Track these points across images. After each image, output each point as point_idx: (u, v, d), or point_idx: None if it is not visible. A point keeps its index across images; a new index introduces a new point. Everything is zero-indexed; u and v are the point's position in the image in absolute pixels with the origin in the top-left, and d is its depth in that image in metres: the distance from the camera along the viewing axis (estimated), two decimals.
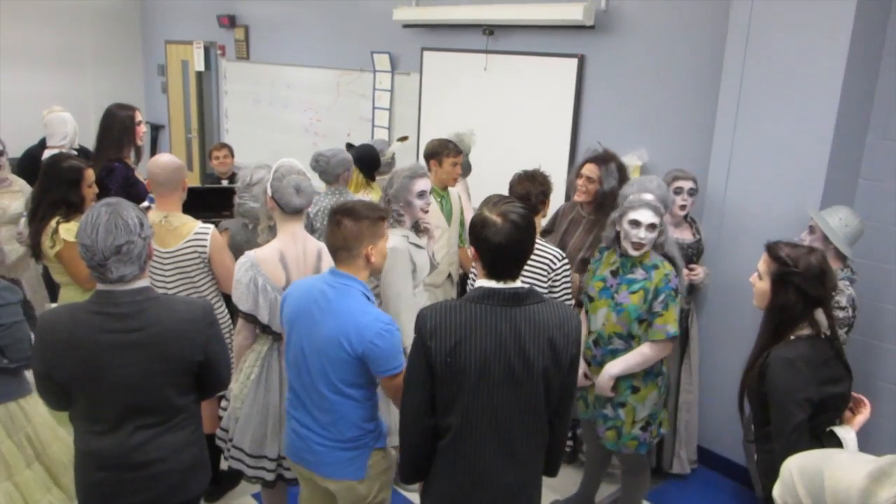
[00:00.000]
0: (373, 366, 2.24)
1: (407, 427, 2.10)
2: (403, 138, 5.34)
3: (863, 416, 2.27)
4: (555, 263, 3.07)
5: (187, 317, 2.08)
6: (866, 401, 2.30)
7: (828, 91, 3.17)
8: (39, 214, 3.21)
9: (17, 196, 4.07)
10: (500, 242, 1.95)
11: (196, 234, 3.13)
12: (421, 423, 2.05)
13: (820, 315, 2.23)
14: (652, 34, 4.15)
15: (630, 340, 2.95)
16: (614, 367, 2.93)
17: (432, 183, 3.80)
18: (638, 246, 2.88)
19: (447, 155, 3.90)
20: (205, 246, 3.12)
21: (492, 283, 2.00)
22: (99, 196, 3.02)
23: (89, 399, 2.05)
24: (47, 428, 2.76)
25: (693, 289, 3.60)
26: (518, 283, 2.02)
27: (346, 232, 2.30)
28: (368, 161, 4.33)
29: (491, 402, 1.98)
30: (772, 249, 2.26)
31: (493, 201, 2.06)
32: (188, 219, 3.17)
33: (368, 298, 2.33)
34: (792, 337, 2.21)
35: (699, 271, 3.51)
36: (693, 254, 3.55)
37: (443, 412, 2.03)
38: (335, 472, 2.36)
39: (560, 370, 2.01)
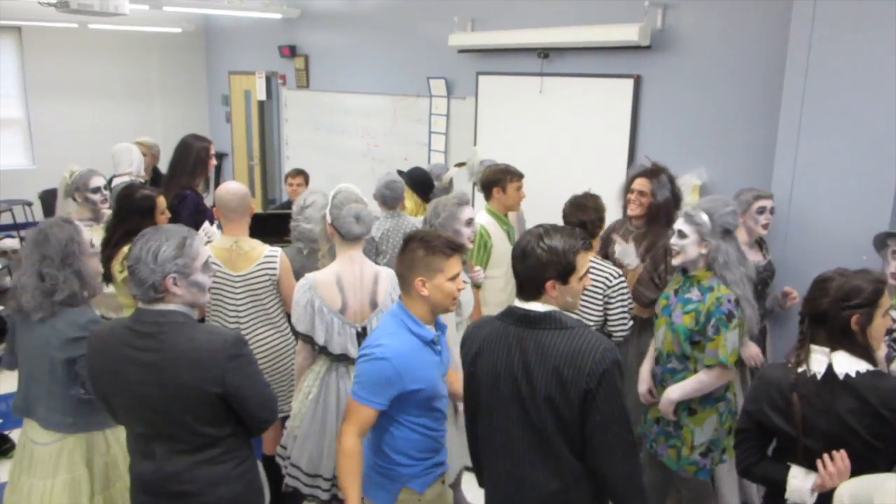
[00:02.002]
0: None
1: (465, 428, 2.26)
2: (461, 164, 5.39)
3: (824, 477, 1.96)
4: (610, 281, 3.10)
5: (205, 346, 2.05)
6: (838, 465, 1.95)
7: None
8: (113, 241, 3.35)
9: None
10: (516, 263, 2.05)
11: (266, 257, 3.21)
12: (469, 430, 2.21)
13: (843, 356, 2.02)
14: (709, 51, 4.10)
15: (685, 361, 2.89)
16: (673, 393, 2.87)
17: (497, 209, 3.86)
18: (674, 254, 2.91)
19: (511, 180, 3.93)
20: (275, 269, 3.21)
21: (517, 302, 2.07)
22: (172, 221, 3.13)
23: (121, 412, 2.15)
24: (122, 460, 2.76)
25: (767, 311, 3.50)
26: (539, 305, 2.01)
27: (403, 259, 2.30)
28: (422, 183, 4.40)
29: (504, 418, 2.05)
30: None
31: (538, 225, 2.11)
32: (257, 243, 3.26)
33: (410, 331, 2.26)
34: (791, 361, 2.11)
35: (796, 294, 3.38)
36: (767, 276, 3.46)
37: (473, 419, 2.19)
38: (367, 490, 2.36)
39: (570, 403, 1.92)
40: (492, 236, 3.82)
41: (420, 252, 2.27)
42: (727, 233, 2.89)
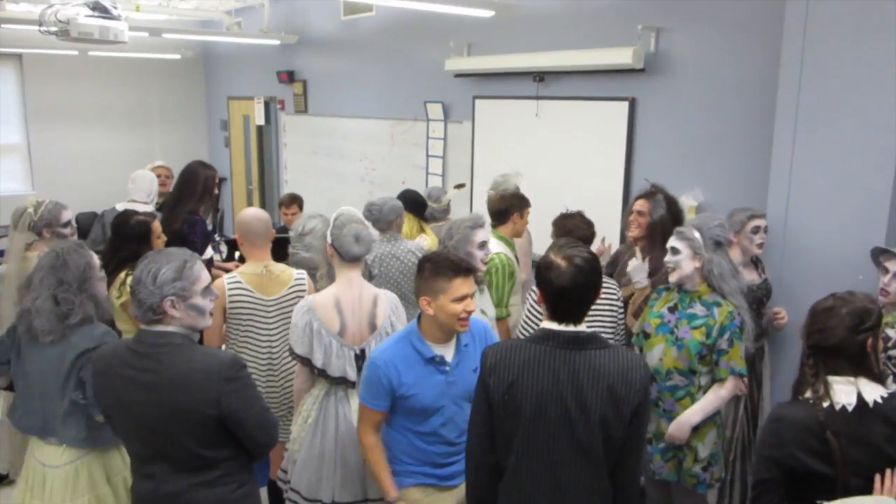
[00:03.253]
0: None
1: (470, 463, 2.12)
2: (460, 185, 5.42)
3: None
4: (617, 293, 3.31)
5: (201, 367, 2.07)
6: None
7: (889, 123, 3.10)
8: (110, 268, 3.35)
9: None
10: (563, 285, 1.97)
11: (296, 280, 3.27)
12: (482, 459, 2.06)
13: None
14: (702, 74, 4.15)
15: (691, 376, 2.90)
16: (695, 416, 2.87)
17: (508, 234, 3.89)
18: (669, 271, 2.97)
19: (525, 207, 3.96)
20: (304, 291, 3.24)
21: (553, 325, 2.00)
22: (184, 247, 3.16)
23: (122, 432, 2.18)
24: None
25: (764, 331, 3.52)
26: (582, 327, 2.01)
27: (416, 278, 2.42)
28: (414, 204, 4.40)
29: (547, 444, 1.96)
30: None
31: (559, 245, 2.10)
32: (285, 267, 3.30)
33: (412, 345, 2.38)
34: (808, 395, 1.97)
35: (783, 314, 3.44)
36: (763, 295, 3.49)
37: (502, 451, 2.03)
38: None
39: (621, 420, 1.95)
40: (514, 264, 3.82)
41: (426, 272, 2.34)
42: (718, 245, 2.96)
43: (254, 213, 3.36)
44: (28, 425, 2.67)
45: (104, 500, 2.64)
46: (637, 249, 3.58)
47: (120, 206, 4.79)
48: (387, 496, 2.42)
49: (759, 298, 3.45)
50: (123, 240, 3.39)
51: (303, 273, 3.30)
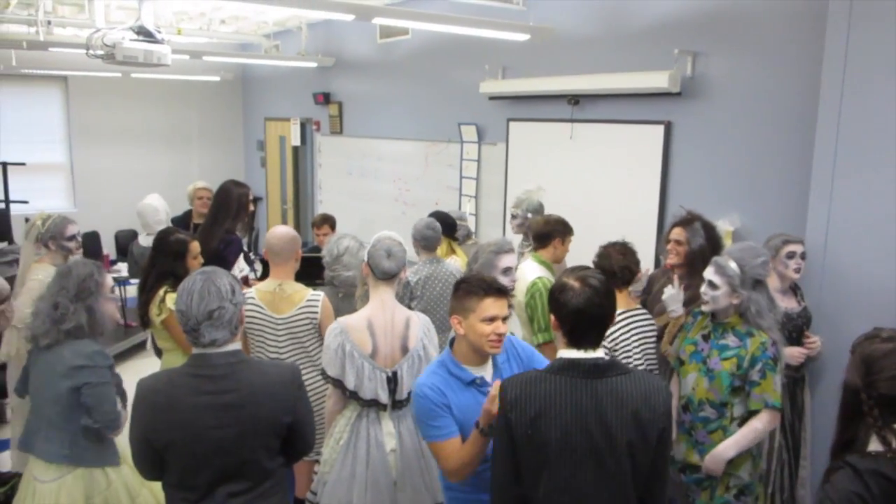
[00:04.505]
0: None
1: (494, 495, 2.08)
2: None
3: None
4: (655, 326, 3.28)
5: (277, 379, 2.13)
6: None
7: None
8: (149, 285, 3.43)
9: None
10: (580, 307, 1.95)
11: (308, 301, 3.26)
12: (507, 493, 2.03)
13: None
14: (740, 98, 4.11)
15: (723, 409, 2.85)
16: (729, 450, 2.81)
17: (549, 259, 3.85)
18: (704, 302, 2.92)
19: (568, 234, 3.91)
20: (316, 312, 3.25)
21: (573, 353, 1.98)
22: (219, 265, 3.23)
23: (184, 464, 2.08)
24: (124, 494, 2.77)
25: (807, 358, 3.44)
26: (600, 353, 1.99)
27: (451, 298, 2.40)
28: (445, 225, 4.45)
29: (574, 476, 1.93)
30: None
31: (570, 269, 2.09)
32: (300, 287, 3.31)
33: (450, 372, 2.34)
34: (871, 449, 1.75)
35: (816, 341, 3.36)
36: (803, 323, 3.42)
37: (529, 484, 1.99)
38: None
39: (647, 445, 1.94)
40: None
41: (460, 291, 2.34)
42: (758, 283, 2.88)
43: (277, 231, 3.38)
44: (21, 440, 2.76)
45: None
46: (674, 277, 3.52)
47: (141, 240, 4.92)
48: (483, 428, 2.19)
49: (798, 327, 3.38)
50: (161, 255, 3.47)
51: (318, 295, 3.30)
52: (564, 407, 1.92)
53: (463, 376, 2.34)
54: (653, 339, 3.31)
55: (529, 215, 4.47)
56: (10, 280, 5.02)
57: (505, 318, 2.34)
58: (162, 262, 3.45)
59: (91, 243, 8.09)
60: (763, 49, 3.98)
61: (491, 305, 2.29)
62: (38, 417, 2.66)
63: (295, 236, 3.39)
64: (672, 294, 3.36)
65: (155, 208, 4.98)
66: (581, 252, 3.86)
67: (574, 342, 1.98)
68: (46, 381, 2.62)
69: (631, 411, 1.91)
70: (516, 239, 4.56)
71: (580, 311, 1.96)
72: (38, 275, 3.52)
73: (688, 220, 3.56)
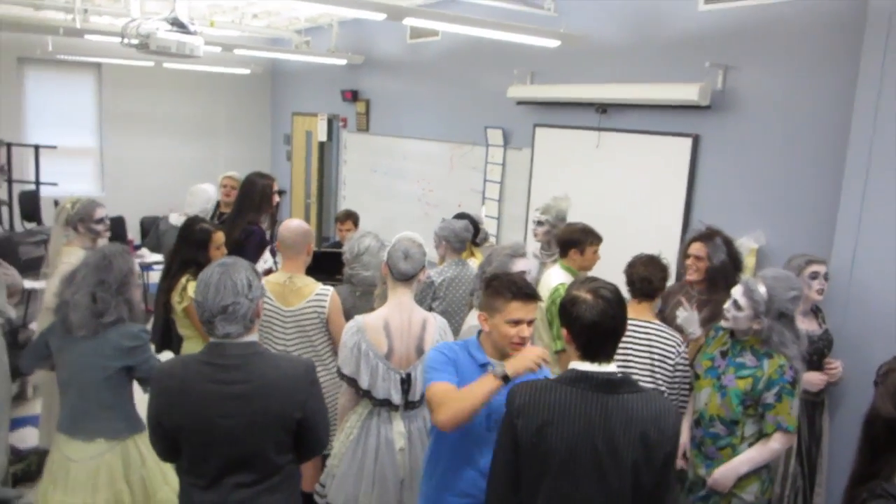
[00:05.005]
0: None
1: (491, 500, 2.06)
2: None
3: None
4: (679, 348, 3.11)
5: (289, 373, 2.13)
6: None
7: None
8: (172, 272, 3.47)
9: None
10: (594, 320, 1.93)
11: (317, 295, 3.27)
12: (505, 498, 2.01)
13: None
14: (770, 113, 4.06)
15: (734, 427, 2.82)
16: (742, 466, 2.78)
17: (575, 267, 3.81)
18: (725, 319, 2.87)
19: (590, 243, 3.83)
20: (324, 307, 3.26)
21: (585, 366, 1.95)
22: (240, 256, 3.27)
23: (194, 450, 2.11)
24: (158, 472, 2.85)
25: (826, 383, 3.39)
26: (613, 367, 1.96)
27: (482, 294, 2.42)
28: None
29: (576, 488, 1.91)
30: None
31: (580, 281, 2.07)
32: (310, 280, 3.32)
33: (468, 351, 2.37)
34: None
35: (838, 366, 3.31)
36: (824, 346, 3.37)
37: (527, 493, 1.98)
38: None
39: (651, 467, 1.90)
40: None
41: (490, 288, 2.35)
42: (783, 315, 2.80)
43: (290, 224, 3.38)
44: (60, 421, 2.77)
45: (121, 496, 2.71)
46: (683, 299, 3.46)
47: (172, 217, 4.96)
48: (494, 379, 2.18)
49: (819, 350, 3.33)
50: (185, 244, 3.52)
51: (327, 289, 3.31)
52: (572, 419, 1.90)
53: (478, 357, 2.36)
54: (667, 357, 3.11)
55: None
56: (39, 260, 5.10)
57: (530, 322, 2.33)
58: (186, 251, 3.50)
59: (117, 228, 8.19)
60: (796, 64, 3.93)
61: (517, 309, 2.29)
62: (86, 400, 2.67)
63: (307, 230, 3.40)
64: (686, 316, 3.31)
65: (208, 198, 5.03)
66: (602, 262, 3.85)
67: (589, 356, 1.96)
68: (91, 365, 2.64)
69: (639, 431, 1.88)
70: (536, 246, 4.53)
71: (595, 324, 1.93)
72: (71, 258, 3.57)
73: (708, 236, 3.51)
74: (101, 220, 3.87)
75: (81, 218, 3.81)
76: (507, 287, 2.31)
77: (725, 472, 2.80)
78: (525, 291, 2.32)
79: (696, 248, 3.50)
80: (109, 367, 2.63)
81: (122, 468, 2.72)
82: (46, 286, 3.70)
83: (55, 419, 2.95)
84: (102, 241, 3.99)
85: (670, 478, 1.97)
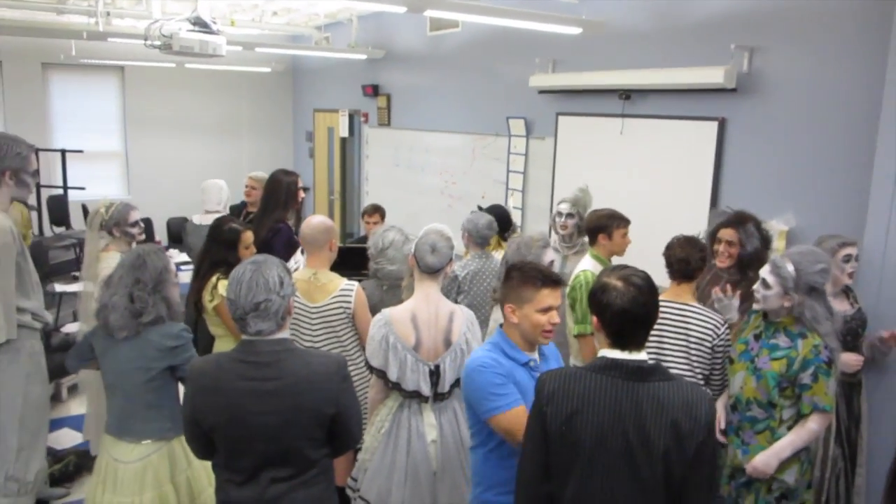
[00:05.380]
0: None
1: (520, 490, 2.04)
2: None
3: None
4: (718, 330, 3.08)
5: (321, 369, 2.14)
6: None
7: None
8: (202, 272, 3.51)
9: None
10: (624, 307, 1.90)
11: (342, 290, 3.28)
12: (534, 488, 2.00)
13: None
14: (799, 95, 3.99)
15: (771, 410, 2.79)
16: (784, 451, 2.75)
17: (603, 254, 3.80)
18: (755, 300, 2.84)
19: (617, 226, 3.80)
20: (349, 302, 3.26)
21: (616, 354, 1.93)
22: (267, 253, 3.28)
23: (229, 447, 2.13)
24: (203, 474, 2.86)
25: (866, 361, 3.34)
26: (643, 355, 1.94)
27: (502, 285, 2.40)
28: (501, 220, 4.43)
29: (606, 478, 1.89)
30: None
31: (610, 268, 2.04)
32: (335, 276, 3.33)
33: (504, 353, 2.33)
34: None
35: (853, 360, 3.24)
36: (857, 326, 3.31)
37: (557, 481, 1.96)
38: None
39: (684, 456, 1.86)
40: None
41: (514, 280, 2.32)
42: (813, 290, 2.78)
43: (312, 221, 3.39)
44: (108, 423, 2.79)
45: (167, 497, 2.73)
46: (727, 287, 3.40)
47: (195, 218, 5.00)
48: None
49: (853, 329, 3.27)
50: (215, 244, 3.55)
51: (352, 284, 3.31)
52: (602, 407, 1.88)
53: (518, 357, 2.33)
54: (704, 340, 3.09)
55: None
56: (68, 264, 5.16)
57: (558, 308, 2.32)
58: (216, 251, 3.53)
59: (145, 229, 8.28)
60: (825, 45, 3.85)
61: (548, 296, 2.29)
62: (132, 402, 2.70)
63: (329, 226, 3.40)
64: (725, 304, 3.27)
65: (220, 188, 5.06)
66: (628, 249, 3.82)
67: (619, 343, 1.93)
68: (135, 366, 2.67)
69: (671, 420, 1.85)
70: (555, 238, 4.49)
71: (625, 311, 1.90)
72: (110, 262, 3.60)
73: (740, 221, 3.46)
74: (135, 224, 3.91)
75: (116, 222, 3.84)
76: (535, 275, 2.30)
77: (767, 458, 2.77)
78: (553, 278, 2.33)
79: (728, 234, 3.45)
80: (153, 369, 2.66)
81: (169, 469, 2.75)
82: (83, 291, 3.71)
83: (101, 422, 2.97)
84: (139, 245, 4.02)
85: (704, 470, 1.90)
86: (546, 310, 2.28)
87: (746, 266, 3.37)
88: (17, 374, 2.97)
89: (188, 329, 2.80)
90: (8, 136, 2.95)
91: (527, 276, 2.31)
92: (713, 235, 3.56)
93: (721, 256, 3.47)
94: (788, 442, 2.76)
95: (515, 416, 2.22)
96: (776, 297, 2.78)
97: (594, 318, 1.99)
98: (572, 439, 1.89)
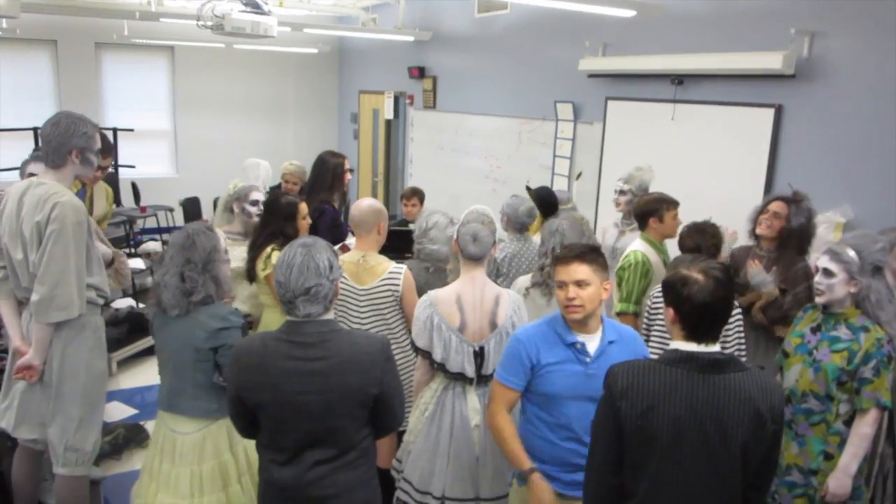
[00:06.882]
0: None
1: (590, 484, 2.04)
2: (579, 175, 5.37)
3: None
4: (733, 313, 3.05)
5: (366, 350, 2.15)
6: None
7: None
8: (259, 243, 3.56)
9: None
10: (706, 301, 1.87)
11: (390, 273, 3.29)
12: (606, 481, 1.98)
13: None
14: (860, 83, 3.86)
15: (828, 402, 2.74)
16: (851, 466, 2.70)
17: (655, 237, 3.79)
18: (818, 293, 2.77)
19: (667, 209, 3.78)
20: (398, 285, 3.27)
21: (690, 346, 1.90)
22: (311, 234, 3.26)
23: (273, 426, 2.16)
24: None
25: None
26: (717, 347, 1.92)
27: None
28: (548, 203, 4.38)
29: (682, 472, 1.87)
30: None
31: (687, 260, 2.05)
32: (383, 259, 3.34)
33: (554, 329, 2.41)
34: None
35: None
36: None
37: (630, 475, 1.94)
38: None
39: (761, 444, 1.87)
40: (652, 264, 3.69)
41: (597, 263, 2.41)
42: (877, 270, 2.74)
43: (361, 204, 3.40)
44: (159, 399, 2.84)
45: (226, 466, 2.77)
46: (755, 261, 3.35)
47: None
48: (522, 468, 2.37)
49: None
50: (273, 217, 3.60)
51: (400, 267, 3.31)
52: (678, 401, 1.86)
53: (565, 336, 2.40)
54: (740, 323, 3.11)
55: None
56: (117, 241, 5.23)
57: (578, 283, 2.33)
58: (273, 223, 3.57)
59: (192, 208, 8.42)
60: (889, 31, 3.71)
61: (560, 272, 2.38)
62: (181, 379, 2.74)
63: (379, 209, 3.41)
64: (762, 279, 3.30)
65: (259, 166, 5.09)
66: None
67: (696, 336, 1.91)
68: (184, 345, 2.71)
69: (752, 410, 1.85)
70: (616, 216, 4.52)
71: (706, 304, 1.87)
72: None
73: (795, 199, 3.48)
74: (255, 202, 3.96)
75: (238, 197, 3.96)
76: (559, 253, 2.46)
77: (838, 480, 2.71)
78: (561, 255, 2.44)
79: (778, 206, 3.49)
80: (201, 349, 2.69)
81: (228, 439, 2.79)
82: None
83: None
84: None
85: (777, 454, 1.97)
86: (561, 285, 2.38)
87: (785, 241, 3.39)
88: (81, 347, 3.04)
89: (237, 312, 2.82)
90: (74, 115, 3.00)
91: (556, 255, 2.46)
92: (763, 207, 3.58)
93: (763, 225, 3.50)
94: (851, 455, 2.70)
95: (504, 393, 2.45)
96: (842, 284, 2.72)
97: (669, 310, 1.96)
98: (648, 434, 1.88)
